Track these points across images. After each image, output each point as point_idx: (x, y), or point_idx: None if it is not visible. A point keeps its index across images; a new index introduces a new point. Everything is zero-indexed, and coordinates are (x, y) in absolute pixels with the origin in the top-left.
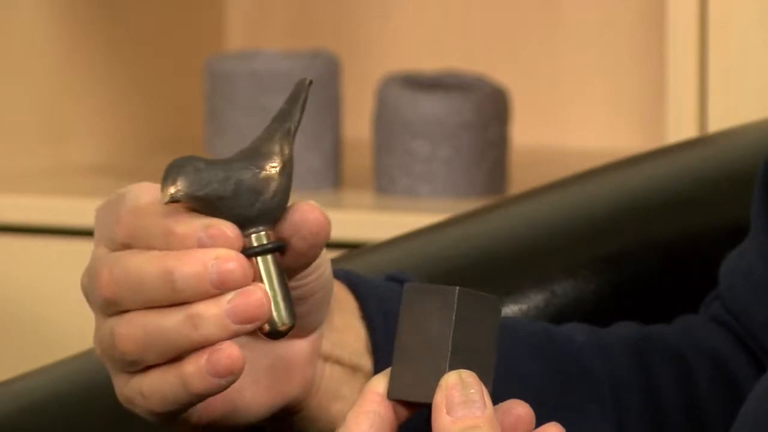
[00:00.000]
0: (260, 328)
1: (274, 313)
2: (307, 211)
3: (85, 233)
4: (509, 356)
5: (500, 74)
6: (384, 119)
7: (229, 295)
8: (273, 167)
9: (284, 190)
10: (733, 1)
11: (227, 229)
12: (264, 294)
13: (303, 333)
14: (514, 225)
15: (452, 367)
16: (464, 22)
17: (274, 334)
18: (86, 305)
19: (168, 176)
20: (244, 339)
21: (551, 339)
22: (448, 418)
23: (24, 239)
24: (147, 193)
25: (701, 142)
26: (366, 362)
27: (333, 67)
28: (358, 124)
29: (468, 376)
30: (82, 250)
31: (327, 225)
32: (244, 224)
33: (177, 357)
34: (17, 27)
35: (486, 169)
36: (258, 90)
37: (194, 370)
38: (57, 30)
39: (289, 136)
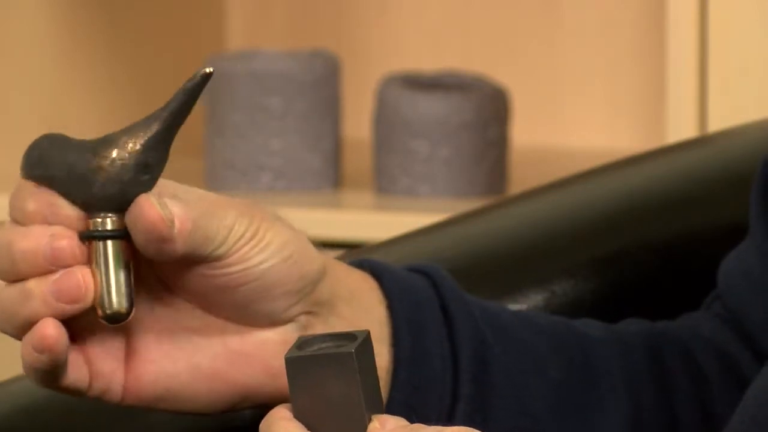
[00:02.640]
0: (98, 312)
1: (105, 298)
2: (141, 207)
3: None
4: (531, 350)
5: (500, 74)
6: (384, 119)
7: (57, 274)
8: (104, 157)
9: (117, 181)
10: (733, 1)
11: (67, 209)
12: (87, 277)
13: (264, 323)
14: (514, 225)
15: (369, 419)
16: (464, 22)
17: (107, 318)
18: None
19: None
20: (197, 323)
21: (570, 333)
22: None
23: None
24: None
25: (701, 142)
26: (381, 357)
27: (333, 67)
28: (358, 124)
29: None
30: None
31: (159, 224)
32: (92, 208)
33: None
34: (17, 27)
35: (486, 169)
36: (258, 90)
37: (24, 344)
38: (57, 30)
39: (152, 125)
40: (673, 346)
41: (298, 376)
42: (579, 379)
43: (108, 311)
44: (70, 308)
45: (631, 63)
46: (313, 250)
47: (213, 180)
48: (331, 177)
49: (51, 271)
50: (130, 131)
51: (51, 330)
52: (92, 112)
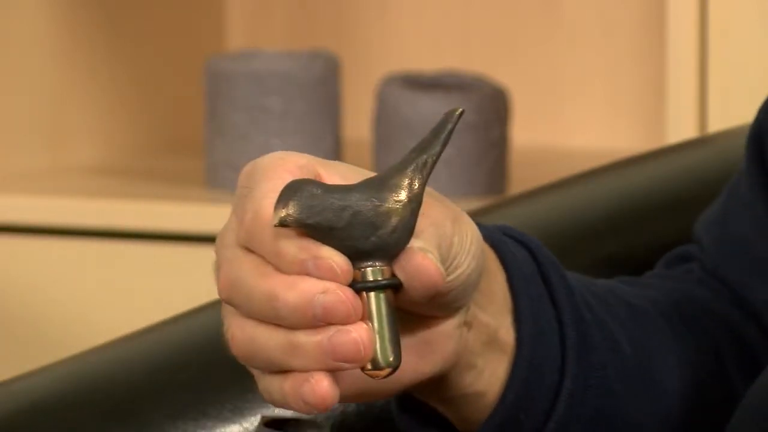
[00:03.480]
0: (366, 366)
1: (378, 353)
2: (420, 264)
3: (85, 233)
4: (606, 324)
5: (500, 74)
6: (384, 119)
7: (331, 330)
8: (396, 201)
9: (406, 227)
10: (733, 1)
11: (336, 263)
12: (365, 336)
13: (449, 314)
14: (515, 225)
15: None
16: (464, 22)
17: (377, 374)
18: (85, 305)
19: (282, 198)
20: None
21: (620, 304)
22: None
23: (24, 239)
24: (273, 192)
25: (701, 142)
26: (504, 334)
27: (333, 67)
28: (358, 124)
29: None
30: (82, 250)
31: (440, 279)
32: (358, 256)
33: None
34: (17, 27)
35: (486, 169)
36: (258, 90)
37: (291, 391)
38: (57, 30)
39: (424, 169)
40: (694, 319)
41: None
42: (640, 356)
43: (380, 367)
44: (347, 366)
45: (631, 63)
46: None
47: (213, 180)
48: None
49: (321, 325)
50: (403, 173)
51: (327, 388)
52: (92, 112)
